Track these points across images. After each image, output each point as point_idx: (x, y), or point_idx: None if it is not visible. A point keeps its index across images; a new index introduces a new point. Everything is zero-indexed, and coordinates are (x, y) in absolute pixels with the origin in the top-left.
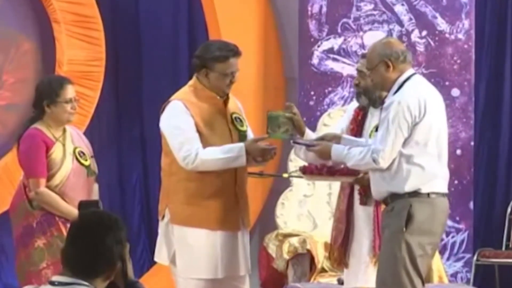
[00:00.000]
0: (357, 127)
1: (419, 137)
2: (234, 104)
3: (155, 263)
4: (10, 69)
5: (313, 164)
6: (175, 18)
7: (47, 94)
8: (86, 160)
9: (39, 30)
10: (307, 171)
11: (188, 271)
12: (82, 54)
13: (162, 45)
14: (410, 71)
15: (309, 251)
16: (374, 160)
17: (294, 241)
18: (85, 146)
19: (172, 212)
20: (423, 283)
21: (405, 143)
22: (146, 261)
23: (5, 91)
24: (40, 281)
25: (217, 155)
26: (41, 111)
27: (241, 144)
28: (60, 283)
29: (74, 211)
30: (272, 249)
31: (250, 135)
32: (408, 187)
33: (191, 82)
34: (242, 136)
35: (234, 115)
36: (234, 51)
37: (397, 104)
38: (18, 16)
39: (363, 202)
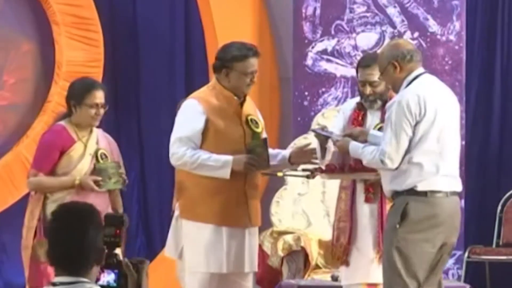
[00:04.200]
0: (359, 127)
1: (418, 136)
2: (252, 107)
3: (152, 261)
4: (11, 69)
5: (332, 163)
6: (171, 20)
7: (74, 95)
8: None
9: (39, 31)
10: (328, 170)
11: (194, 265)
12: (81, 55)
13: (159, 47)
14: (419, 70)
15: (303, 248)
16: (382, 161)
17: (289, 238)
18: (110, 152)
19: (181, 207)
20: (419, 282)
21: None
22: None
23: (5, 92)
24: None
25: (204, 161)
26: (70, 110)
27: (230, 158)
28: (62, 283)
29: (68, 179)
30: (267, 246)
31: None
32: (405, 185)
33: (211, 83)
34: (256, 137)
35: (250, 117)
36: (253, 51)
37: (397, 104)
38: (19, 18)
39: (370, 199)
